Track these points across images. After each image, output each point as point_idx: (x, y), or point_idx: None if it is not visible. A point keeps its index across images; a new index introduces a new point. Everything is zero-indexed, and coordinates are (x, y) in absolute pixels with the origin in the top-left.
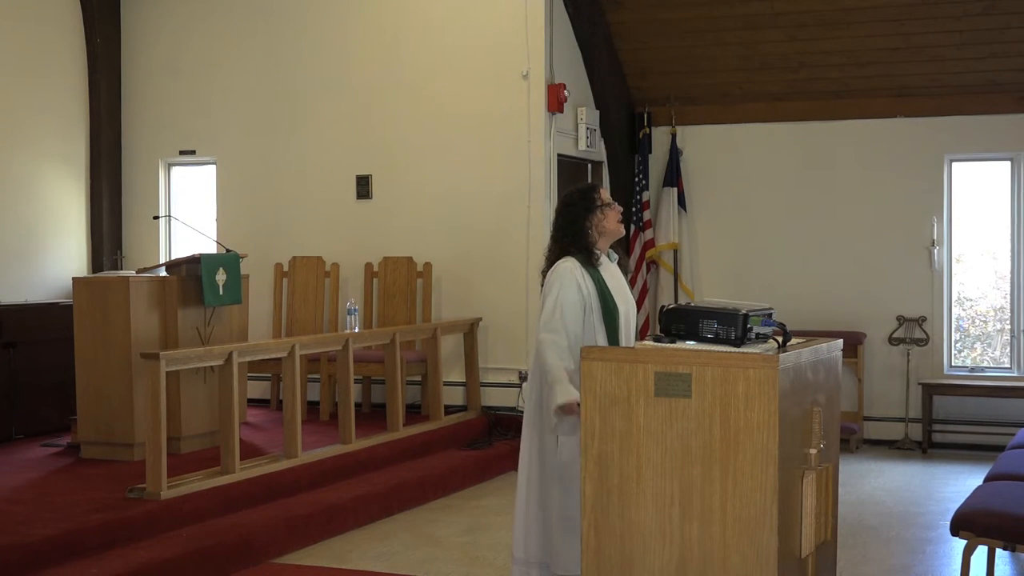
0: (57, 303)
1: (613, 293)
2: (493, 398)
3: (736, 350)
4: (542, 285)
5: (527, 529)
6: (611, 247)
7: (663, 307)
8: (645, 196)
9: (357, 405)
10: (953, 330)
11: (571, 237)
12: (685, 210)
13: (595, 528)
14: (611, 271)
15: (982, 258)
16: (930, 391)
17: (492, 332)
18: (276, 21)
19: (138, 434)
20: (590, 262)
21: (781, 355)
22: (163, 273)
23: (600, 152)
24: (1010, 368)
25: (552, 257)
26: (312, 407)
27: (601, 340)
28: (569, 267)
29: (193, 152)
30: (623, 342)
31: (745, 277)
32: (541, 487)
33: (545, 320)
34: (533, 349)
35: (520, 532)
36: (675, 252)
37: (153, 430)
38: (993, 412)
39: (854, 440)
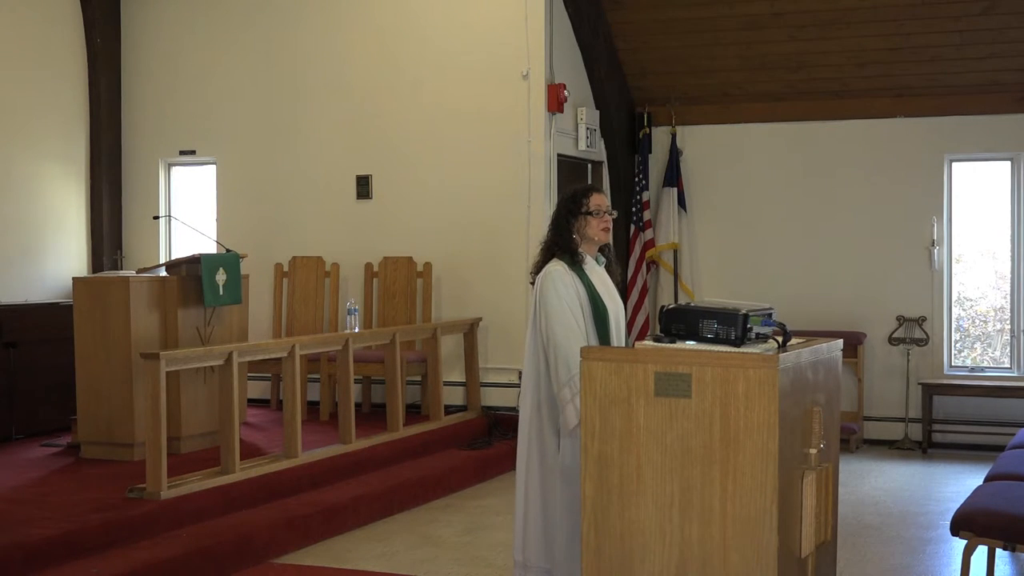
0: (57, 303)
1: (601, 294)
2: (493, 398)
3: (736, 350)
4: (532, 285)
5: (526, 533)
6: (602, 251)
7: (663, 307)
8: (645, 196)
9: (357, 405)
10: (953, 330)
11: (556, 238)
12: (685, 210)
13: (595, 528)
14: (597, 273)
15: (982, 258)
16: (930, 391)
17: (492, 332)
18: (276, 21)
19: (138, 434)
20: (575, 263)
21: (781, 355)
22: (163, 273)
23: (600, 152)
24: (1010, 368)
25: (541, 258)
26: (312, 407)
27: (593, 341)
28: (560, 270)
29: (193, 152)
30: (614, 342)
31: (745, 277)
32: (542, 490)
33: (557, 320)
34: (526, 350)
35: (519, 535)
36: (675, 252)
37: (153, 430)
38: (993, 412)
39: (854, 440)
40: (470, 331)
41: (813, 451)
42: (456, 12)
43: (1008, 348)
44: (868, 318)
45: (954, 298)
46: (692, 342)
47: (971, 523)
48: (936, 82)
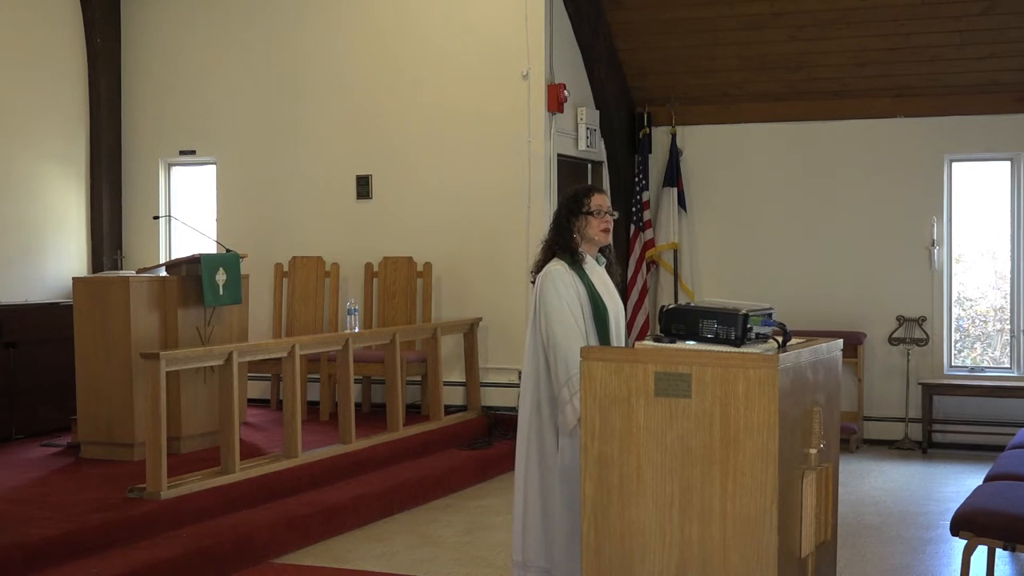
0: (57, 303)
1: (601, 294)
2: (493, 398)
3: (736, 350)
4: (532, 284)
5: (526, 533)
6: (602, 251)
7: (663, 307)
8: (645, 196)
9: (357, 405)
10: (953, 330)
11: (556, 237)
12: (685, 210)
13: (595, 528)
14: (597, 272)
15: (982, 258)
16: (930, 391)
17: (492, 332)
18: (276, 21)
19: (138, 434)
20: (575, 262)
21: (781, 355)
22: (163, 273)
23: (600, 152)
24: (1010, 368)
25: (542, 258)
26: (312, 407)
27: (592, 341)
28: (560, 269)
29: (193, 152)
30: (613, 342)
31: (745, 277)
32: (542, 490)
33: (557, 319)
34: (526, 350)
35: (519, 535)
36: (675, 252)
37: (153, 430)
38: (993, 412)
39: (854, 440)
40: (470, 331)
41: (813, 451)
42: (456, 12)
43: (1008, 348)
44: (868, 318)
45: (954, 298)
46: (692, 342)
47: (971, 523)
48: (936, 82)
